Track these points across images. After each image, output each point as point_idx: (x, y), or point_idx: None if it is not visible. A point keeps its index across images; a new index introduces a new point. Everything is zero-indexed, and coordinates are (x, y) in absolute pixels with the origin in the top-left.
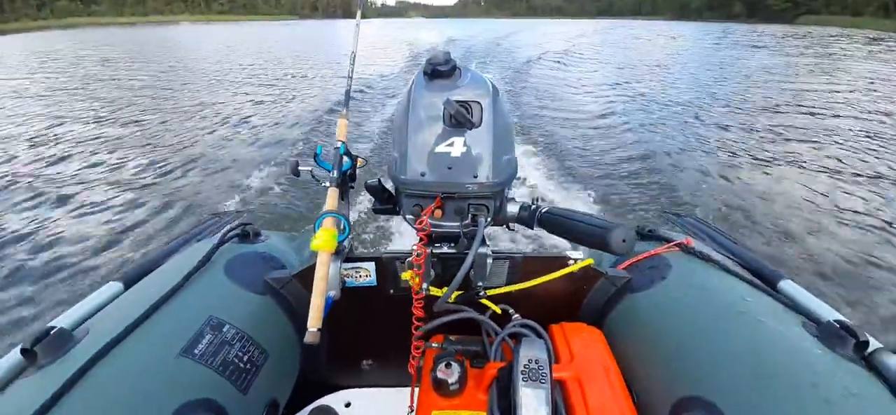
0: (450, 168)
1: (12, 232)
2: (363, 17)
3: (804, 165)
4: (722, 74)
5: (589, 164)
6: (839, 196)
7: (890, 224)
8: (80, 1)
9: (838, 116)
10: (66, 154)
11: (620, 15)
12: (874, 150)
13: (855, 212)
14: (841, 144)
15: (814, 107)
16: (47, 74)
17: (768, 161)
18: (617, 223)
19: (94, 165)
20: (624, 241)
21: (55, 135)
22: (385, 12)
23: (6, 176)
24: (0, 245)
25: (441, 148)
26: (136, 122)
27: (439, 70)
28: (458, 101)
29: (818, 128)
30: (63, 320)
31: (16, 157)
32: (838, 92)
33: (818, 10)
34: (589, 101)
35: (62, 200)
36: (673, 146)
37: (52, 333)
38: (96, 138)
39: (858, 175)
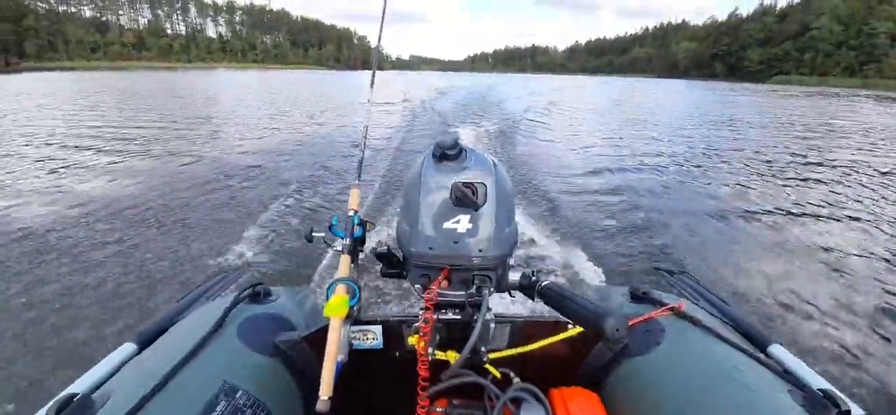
0: (456, 243)
1: (15, 273)
2: (379, 69)
3: (794, 219)
4: (712, 130)
5: (582, 214)
6: (827, 248)
7: (876, 278)
8: (131, 46)
9: (827, 167)
10: (74, 193)
11: (618, 72)
12: (863, 203)
13: (840, 262)
14: (829, 195)
15: (804, 162)
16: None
17: (760, 215)
18: (610, 311)
19: (100, 207)
20: (617, 330)
21: (65, 169)
22: (399, 65)
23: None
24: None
25: (448, 224)
26: (139, 164)
27: (447, 153)
28: (463, 184)
29: (806, 181)
30: (82, 384)
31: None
32: (829, 149)
33: (789, 71)
34: (581, 152)
35: (68, 244)
36: (665, 201)
37: (75, 400)
38: (103, 175)
39: (849, 226)
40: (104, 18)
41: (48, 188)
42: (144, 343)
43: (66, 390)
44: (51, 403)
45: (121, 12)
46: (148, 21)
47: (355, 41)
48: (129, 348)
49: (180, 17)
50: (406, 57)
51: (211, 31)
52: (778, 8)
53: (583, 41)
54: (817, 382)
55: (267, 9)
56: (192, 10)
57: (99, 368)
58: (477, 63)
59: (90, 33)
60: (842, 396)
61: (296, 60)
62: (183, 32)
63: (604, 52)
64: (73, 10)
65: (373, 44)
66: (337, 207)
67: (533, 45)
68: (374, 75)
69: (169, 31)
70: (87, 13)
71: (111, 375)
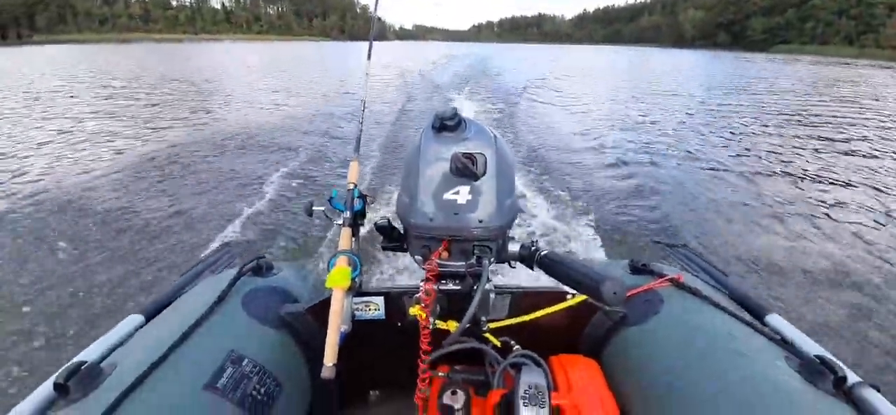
0: (456, 214)
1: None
2: (384, 39)
3: (797, 190)
4: (717, 99)
5: (585, 188)
6: (825, 219)
7: (873, 247)
8: (139, 19)
9: (826, 139)
10: (76, 165)
11: (628, 41)
12: (868, 174)
13: (840, 234)
14: (829, 166)
15: (807, 133)
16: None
17: (760, 185)
18: (609, 276)
19: (104, 181)
20: (614, 294)
21: (67, 143)
22: (404, 36)
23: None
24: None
25: (448, 195)
26: (146, 137)
27: (447, 124)
28: (463, 154)
29: (808, 153)
30: (90, 354)
31: (25, 170)
32: (832, 118)
33: (790, 39)
34: (585, 123)
35: (71, 217)
36: (667, 173)
37: (83, 367)
38: (108, 150)
39: (844, 198)
40: None
41: (54, 164)
42: (151, 315)
43: (75, 359)
44: (59, 370)
45: None
46: None
47: (358, 11)
48: (135, 319)
49: None
50: (409, 27)
51: (215, 2)
52: None
53: (591, 9)
54: (814, 349)
55: None
56: None
57: (107, 338)
58: (482, 32)
59: (98, 6)
60: (838, 362)
61: (300, 32)
62: (187, 3)
63: (612, 21)
64: None
65: (379, 14)
66: (337, 182)
67: (539, 13)
68: (370, 47)
69: (174, 3)
70: None
71: (119, 345)
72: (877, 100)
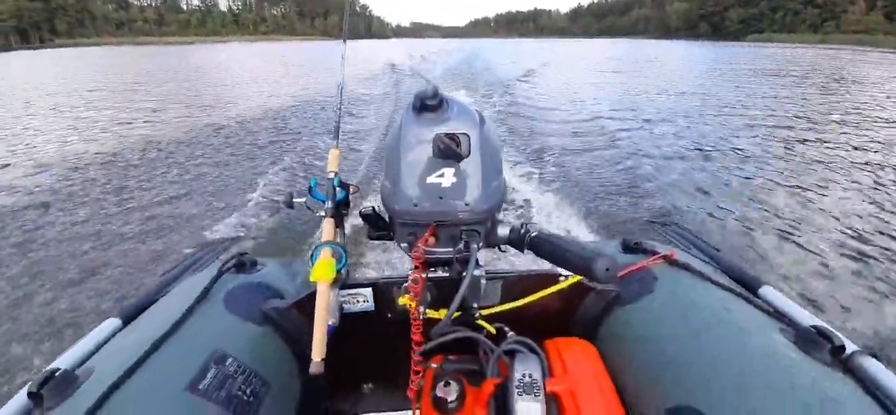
0: (441, 197)
1: None
2: (383, 37)
3: (782, 168)
4: (702, 85)
5: (576, 171)
6: (813, 196)
7: (861, 223)
8: (153, 23)
9: (806, 120)
10: (52, 168)
11: (618, 35)
12: (848, 151)
13: (829, 209)
14: (811, 147)
15: (787, 114)
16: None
17: (747, 163)
18: (601, 253)
19: (85, 183)
20: (607, 270)
21: (40, 146)
22: (401, 33)
23: None
24: None
25: (432, 179)
26: (129, 139)
27: (428, 104)
28: (446, 134)
29: (791, 133)
30: (65, 361)
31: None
32: (808, 101)
33: (763, 28)
34: (578, 107)
35: (47, 220)
36: (657, 153)
37: (57, 375)
38: (85, 152)
39: (832, 177)
40: None
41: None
42: (129, 318)
43: (49, 366)
44: (33, 379)
45: None
46: None
47: (358, 10)
48: (113, 323)
49: None
50: (407, 24)
51: (223, 5)
52: None
53: (585, 2)
54: (809, 319)
55: None
56: None
57: (83, 344)
58: (479, 27)
59: (115, 11)
60: (834, 331)
61: (303, 32)
62: (198, 5)
63: (606, 14)
64: None
65: (376, 13)
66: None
67: (535, 8)
68: (345, 29)
69: (185, 7)
70: None
71: (96, 351)
72: (840, 80)
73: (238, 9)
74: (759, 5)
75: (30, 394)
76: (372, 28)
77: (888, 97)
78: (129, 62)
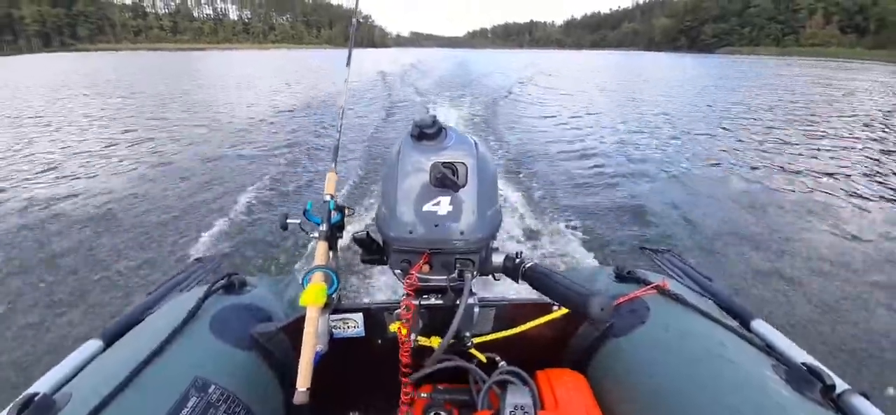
0: (437, 226)
1: None
2: (384, 46)
3: (777, 190)
4: (690, 100)
5: (567, 190)
6: (807, 220)
7: (856, 242)
8: (169, 30)
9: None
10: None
11: (612, 46)
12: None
13: (825, 236)
14: (804, 163)
15: (773, 127)
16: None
17: (740, 182)
18: (595, 291)
19: (72, 191)
20: (601, 310)
21: (33, 150)
22: (401, 43)
23: None
24: None
25: (428, 207)
26: (120, 145)
27: (426, 132)
28: (443, 164)
29: (782, 148)
30: (43, 384)
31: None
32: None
33: (733, 42)
34: (567, 124)
35: (28, 226)
36: (649, 172)
37: (36, 399)
38: (75, 155)
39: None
40: (143, 3)
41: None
42: (111, 340)
43: (28, 391)
44: (11, 404)
45: None
46: (176, 5)
47: (360, 20)
48: (94, 345)
49: (208, 2)
50: (406, 34)
51: (233, 15)
52: None
53: (578, 15)
54: (801, 356)
55: None
56: None
57: (62, 366)
58: (476, 38)
59: (133, 19)
60: (826, 370)
61: (309, 41)
62: (210, 15)
63: (598, 27)
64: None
65: (378, 23)
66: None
67: (531, 20)
68: (350, 54)
69: (197, 16)
70: (129, 0)
71: (75, 374)
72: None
73: (248, 18)
74: (729, 21)
75: None
76: (374, 38)
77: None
78: (147, 65)
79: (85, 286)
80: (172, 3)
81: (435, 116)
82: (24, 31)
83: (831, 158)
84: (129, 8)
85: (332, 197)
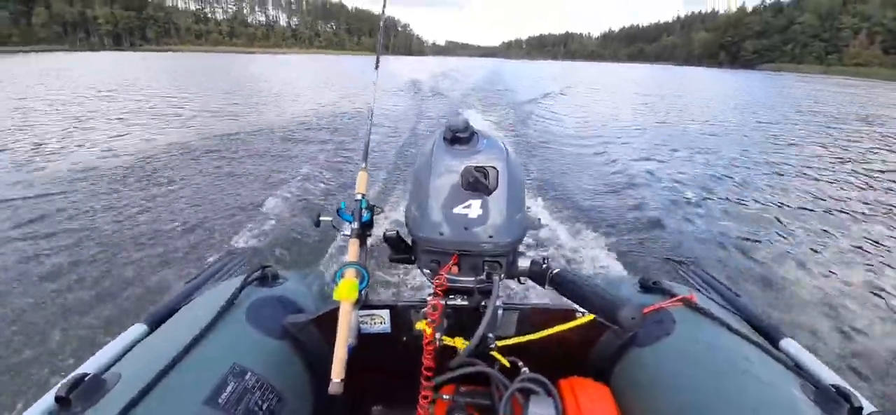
0: (466, 228)
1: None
2: (421, 54)
3: (809, 213)
4: (729, 116)
5: (592, 200)
6: (837, 240)
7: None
8: (226, 34)
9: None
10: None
11: (646, 60)
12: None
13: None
14: (837, 186)
15: (813, 153)
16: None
17: (770, 208)
18: (625, 299)
19: (105, 181)
20: (632, 319)
21: (72, 142)
22: (438, 51)
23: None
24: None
25: (459, 209)
26: (159, 145)
27: (459, 136)
28: (476, 168)
29: (819, 173)
30: (92, 365)
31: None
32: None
33: (775, 58)
34: (598, 133)
35: (81, 223)
36: (676, 190)
37: (85, 380)
38: (115, 155)
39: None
40: (204, 9)
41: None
42: (154, 325)
43: (76, 371)
44: (61, 382)
45: (216, 4)
46: (233, 12)
47: (400, 29)
48: (139, 329)
49: (261, 10)
50: (442, 43)
51: (283, 22)
52: (768, 1)
53: (616, 28)
54: (830, 377)
55: (328, 2)
56: (270, 4)
57: (109, 348)
58: (511, 49)
59: (195, 23)
60: (854, 391)
61: (351, 48)
62: (263, 21)
63: (635, 40)
64: (180, 5)
65: (416, 32)
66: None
67: (567, 32)
68: (378, 59)
69: (251, 22)
70: (193, 7)
71: (121, 355)
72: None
73: (296, 25)
74: (772, 38)
75: (58, 398)
76: (411, 46)
77: None
78: (210, 66)
79: (131, 270)
80: (230, 10)
81: (467, 120)
82: (97, 30)
83: (888, 190)
84: (192, 14)
85: (363, 196)
